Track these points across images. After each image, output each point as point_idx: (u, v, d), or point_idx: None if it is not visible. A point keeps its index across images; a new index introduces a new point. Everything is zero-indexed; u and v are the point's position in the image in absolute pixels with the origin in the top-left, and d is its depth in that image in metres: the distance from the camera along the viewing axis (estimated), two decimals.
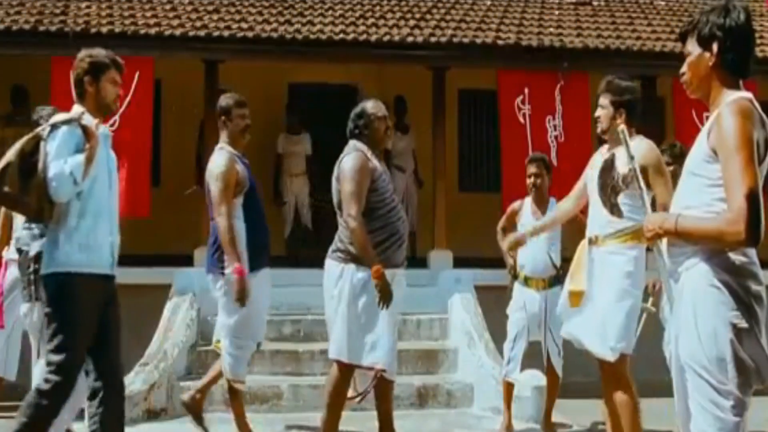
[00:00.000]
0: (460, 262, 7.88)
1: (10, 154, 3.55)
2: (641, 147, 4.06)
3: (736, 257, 2.50)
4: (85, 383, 4.32)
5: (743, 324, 2.46)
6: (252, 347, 5.08)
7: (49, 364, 3.65)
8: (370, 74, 9.60)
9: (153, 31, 7.75)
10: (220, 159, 4.89)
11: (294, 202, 9.33)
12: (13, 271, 6.12)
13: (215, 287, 4.94)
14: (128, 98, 7.63)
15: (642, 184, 2.91)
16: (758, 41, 8.53)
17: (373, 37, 8.03)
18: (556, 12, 9.53)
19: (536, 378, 5.82)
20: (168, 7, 8.53)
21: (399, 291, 4.53)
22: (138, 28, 7.78)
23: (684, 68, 2.70)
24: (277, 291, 7.01)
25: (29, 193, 3.55)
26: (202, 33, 7.80)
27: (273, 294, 6.71)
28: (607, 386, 4.15)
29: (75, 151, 3.59)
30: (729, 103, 2.52)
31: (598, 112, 4.28)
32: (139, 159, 7.65)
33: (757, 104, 2.54)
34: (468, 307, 7.18)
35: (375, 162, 4.52)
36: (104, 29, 7.68)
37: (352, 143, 4.59)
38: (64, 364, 3.62)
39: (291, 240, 9.40)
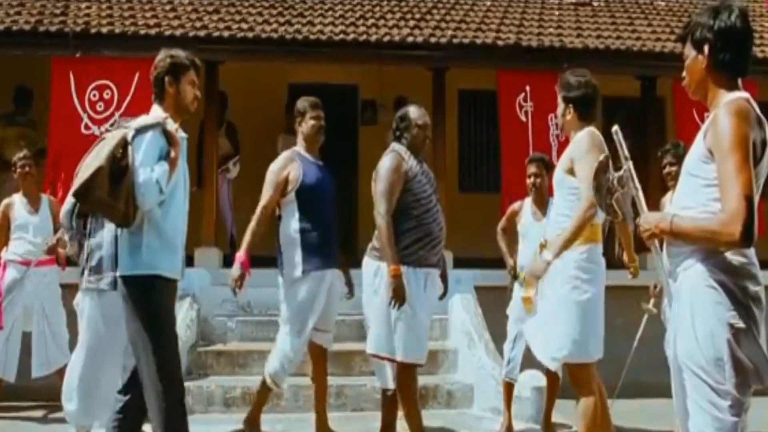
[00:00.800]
0: (460, 263, 7.86)
1: (102, 158, 3.52)
2: (582, 140, 4.02)
3: (734, 257, 2.50)
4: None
5: (740, 324, 2.46)
6: (300, 351, 5.08)
7: (157, 369, 3.60)
8: (370, 75, 9.60)
9: (153, 31, 7.75)
10: (277, 159, 5.14)
11: None
12: (12, 272, 6.12)
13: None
14: (128, 99, 7.63)
15: (637, 184, 2.89)
16: (758, 41, 8.52)
17: (373, 38, 8.03)
18: (556, 12, 9.53)
19: (536, 378, 5.82)
20: (168, 7, 8.53)
21: (433, 290, 4.71)
22: (138, 28, 7.78)
23: (684, 71, 2.71)
24: (276, 291, 7.03)
25: (118, 197, 3.53)
26: (202, 33, 7.80)
27: (272, 294, 6.69)
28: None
29: (159, 156, 3.61)
30: (725, 104, 2.52)
31: (557, 110, 4.27)
32: None
33: (754, 104, 2.54)
34: (468, 308, 7.17)
35: (412, 163, 4.65)
36: (104, 30, 7.69)
37: (392, 144, 4.77)
38: (163, 362, 3.60)
39: None
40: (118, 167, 3.54)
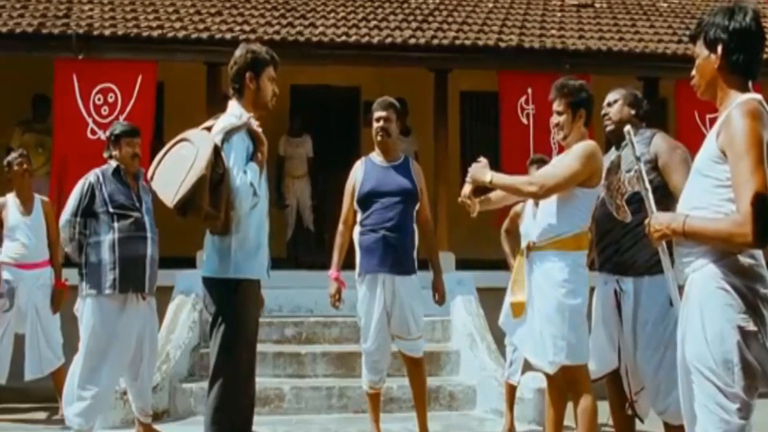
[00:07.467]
0: (461, 264, 7.87)
1: (202, 166, 3.33)
2: (579, 147, 3.99)
3: (744, 259, 2.50)
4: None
5: (751, 327, 2.45)
6: (373, 352, 4.99)
7: (216, 368, 3.55)
8: (372, 77, 9.60)
9: (155, 33, 7.76)
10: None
11: (296, 204, 9.34)
12: (5, 274, 6.10)
13: None
14: (131, 102, 7.63)
15: (647, 185, 2.89)
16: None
17: (375, 40, 8.03)
18: (558, 14, 9.53)
19: (538, 380, 5.80)
20: (170, 9, 8.54)
21: None
22: (140, 30, 7.79)
23: (694, 70, 2.70)
24: (278, 293, 7.04)
25: (219, 207, 3.41)
26: (204, 35, 7.81)
27: (273, 296, 6.70)
28: (550, 393, 4.12)
29: (246, 158, 3.54)
30: (738, 105, 2.51)
31: (555, 119, 4.09)
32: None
33: (766, 106, 2.54)
34: (470, 309, 7.17)
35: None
36: (107, 32, 7.69)
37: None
38: (232, 365, 3.55)
39: (293, 242, 9.41)
40: (214, 174, 3.38)
